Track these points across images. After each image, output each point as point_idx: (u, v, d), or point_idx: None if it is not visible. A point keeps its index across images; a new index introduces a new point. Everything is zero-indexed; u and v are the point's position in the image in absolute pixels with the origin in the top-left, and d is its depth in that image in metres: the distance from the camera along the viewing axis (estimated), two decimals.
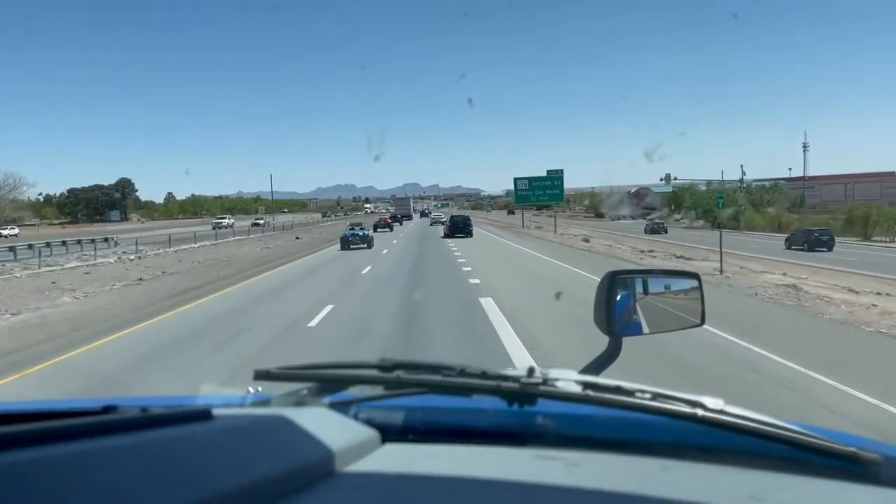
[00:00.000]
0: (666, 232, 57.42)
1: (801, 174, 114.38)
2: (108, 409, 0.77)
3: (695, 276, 1.78)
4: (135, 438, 0.68)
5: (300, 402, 1.06)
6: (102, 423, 0.69)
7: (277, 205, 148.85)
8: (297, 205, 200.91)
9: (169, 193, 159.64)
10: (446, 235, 42.26)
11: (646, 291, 1.63)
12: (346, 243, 32.73)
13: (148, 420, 0.74)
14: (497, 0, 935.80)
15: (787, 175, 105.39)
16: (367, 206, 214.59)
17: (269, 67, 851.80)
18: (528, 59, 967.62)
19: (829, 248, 39.90)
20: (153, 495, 0.59)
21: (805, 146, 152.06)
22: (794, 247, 41.39)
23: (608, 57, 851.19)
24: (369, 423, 1.01)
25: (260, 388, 1.20)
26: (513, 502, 0.76)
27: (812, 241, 40.52)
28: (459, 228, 42.75)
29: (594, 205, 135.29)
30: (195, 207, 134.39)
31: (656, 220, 66.10)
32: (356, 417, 1.04)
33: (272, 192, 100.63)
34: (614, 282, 1.53)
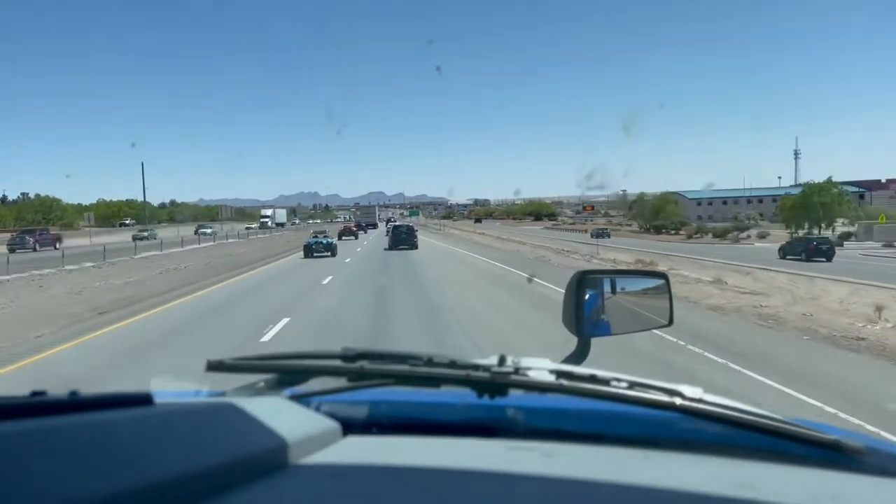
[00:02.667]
0: (609, 237, 66.13)
1: (794, 182, 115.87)
2: (35, 395, 0.71)
3: (662, 275, 1.77)
4: (61, 421, 0.63)
5: (257, 395, 1.00)
6: (25, 403, 0.65)
7: (194, 211, 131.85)
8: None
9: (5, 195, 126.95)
10: (390, 248, 37.68)
11: (614, 291, 1.63)
12: (310, 251, 33.50)
13: (78, 403, 0.69)
14: (468, 10, 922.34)
15: (776, 184, 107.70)
16: (339, 215, 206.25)
17: (237, 71, 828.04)
18: (491, 68, 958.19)
19: (829, 259, 38.15)
20: (83, 480, 0.55)
21: (797, 154, 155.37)
22: (788, 256, 40.17)
23: (577, 69, 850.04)
24: (332, 416, 0.97)
25: (214, 385, 1.14)
26: (484, 492, 0.73)
27: (811, 251, 39.00)
28: (402, 240, 38.68)
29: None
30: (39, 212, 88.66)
31: (600, 228, 78.25)
32: (317, 410, 1.00)
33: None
34: (582, 281, 1.51)
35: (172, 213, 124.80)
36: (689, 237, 72.23)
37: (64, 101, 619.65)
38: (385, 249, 37.09)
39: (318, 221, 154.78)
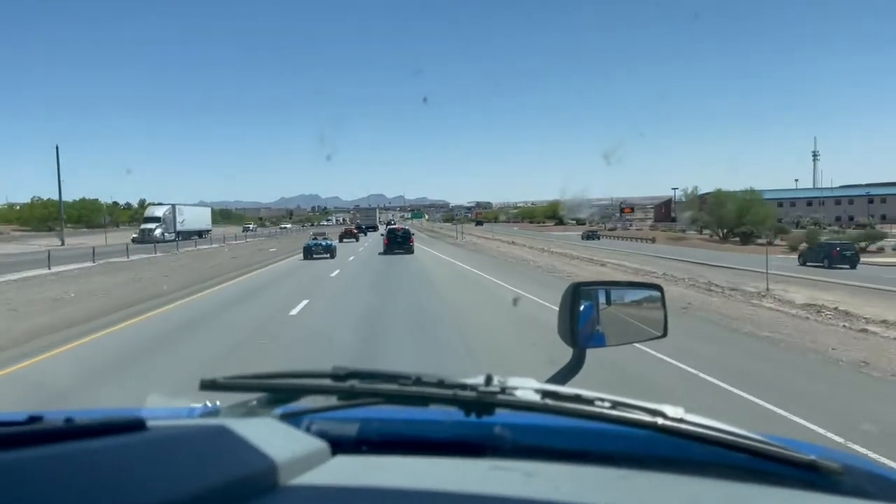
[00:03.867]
0: (598, 239, 67.55)
1: (812, 184, 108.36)
2: (32, 420, 0.74)
3: (657, 287, 1.78)
4: (58, 449, 0.65)
5: (249, 414, 1.04)
6: (22, 433, 0.67)
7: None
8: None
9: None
10: (385, 252, 34.96)
11: (609, 302, 1.64)
12: (309, 253, 33.30)
13: (74, 430, 0.71)
14: (465, 14, 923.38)
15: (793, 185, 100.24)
16: (330, 217, 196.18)
17: (242, 72, 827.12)
18: (491, 70, 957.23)
19: (853, 266, 36.24)
20: None
21: (815, 155, 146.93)
22: (809, 263, 37.79)
23: (575, 69, 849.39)
24: (322, 434, 1.00)
25: (208, 402, 1.17)
26: None
27: (833, 257, 36.58)
28: (398, 244, 35.50)
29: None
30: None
31: (590, 230, 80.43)
32: (308, 429, 1.02)
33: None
34: (577, 293, 1.53)
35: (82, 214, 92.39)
36: (794, 249, 47.48)
37: (61, 95, 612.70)
38: (380, 254, 34.88)
39: (289, 227, 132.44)
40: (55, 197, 65.58)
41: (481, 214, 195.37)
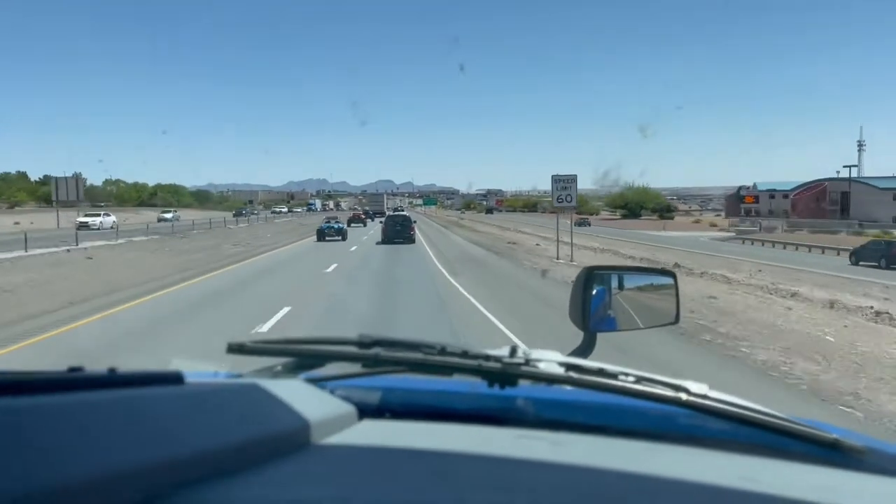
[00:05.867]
0: (589, 226, 69.72)
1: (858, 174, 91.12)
2: (73, 371, 0.75)
3: (671, 273, 1.77)
4: (101, 396, 0.67)
5: (275, 377, 1.06)
6: (65, 378, 0.68)
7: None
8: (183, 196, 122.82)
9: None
10: (383, 242, 32.49)
11: (621, 287, 1.64)
12: (322, 235, 35.55)
13: (116, 379, 0.73)
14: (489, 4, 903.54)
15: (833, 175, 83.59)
16: (313, 201, 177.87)
17: (256, 63, 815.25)
18: (504, 57, 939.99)
19: None
20: (115, 452, 0.59)
21: (860, 145, 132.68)
22: (862, 262, 33.93)
23: (594, 60, 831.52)
24: (347, 400, 1.01)
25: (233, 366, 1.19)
26: (496, 475, 0.76)
27: (892, 257, 32.71)
28: (397, 232, 32.57)
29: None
30: None
31: (581, 217, 78.36)
32: (332, 394, 1.04)
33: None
34: (591, 277, 1.54)
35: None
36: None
37: (77, 85, 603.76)
38: (377, 244, 32.59)
39: (284, 210, 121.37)
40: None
41: (501, 203, 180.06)
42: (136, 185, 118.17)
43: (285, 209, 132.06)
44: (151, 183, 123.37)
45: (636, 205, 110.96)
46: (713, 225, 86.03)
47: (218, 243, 31.72)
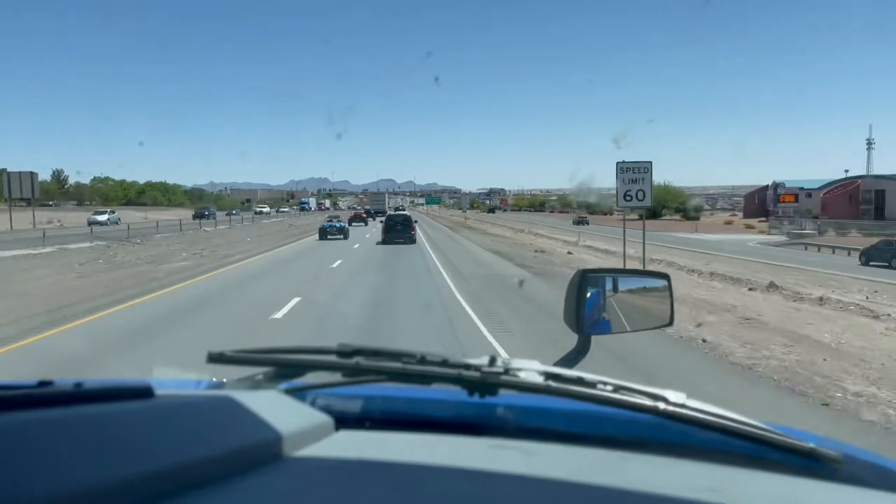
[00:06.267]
0: (588, 224, 68.79)
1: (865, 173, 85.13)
2: (42, 385, 0.75)
3: (664, 276, 1.78)
4: (67, 412, 0.67)
5: (255, 387, 1.06)
6: (32, 395, 0.68)
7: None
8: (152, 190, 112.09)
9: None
10: (383, 242, 31.23)
11: (615, 290, 1.65)
12: (324, 234, 36.35)
13: (83, 394, 0.73)
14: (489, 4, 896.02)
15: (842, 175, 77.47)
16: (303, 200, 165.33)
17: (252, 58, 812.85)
18: (503, 54, 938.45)
19: None
20: (83, 469, 0.58)
21: (869, 143, 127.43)
22: (872, 263, 32.59)
23: (590, 57, 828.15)
24: (326, 410, 1.02)
25: (213, 376, 1.20)
26: (464, 489, 0.76)
27: None
28: (398, 232, 31.29)
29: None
30: None
31: (581, 216, 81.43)
32: (312, 404, 1.04)
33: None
34: (584, 280, 1.54)
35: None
36: None
37: (75, 84, 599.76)
38: (377, 244, 31.35)
39: (267, 210, 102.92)
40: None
41: (506, 202, 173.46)
42: (122, 182, 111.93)
43: (266, 208, 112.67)
44: (152, 181, 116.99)
45: (657, 203, 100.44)
46: (749, 227, 77.02)
47: (173, 252, 25.36)
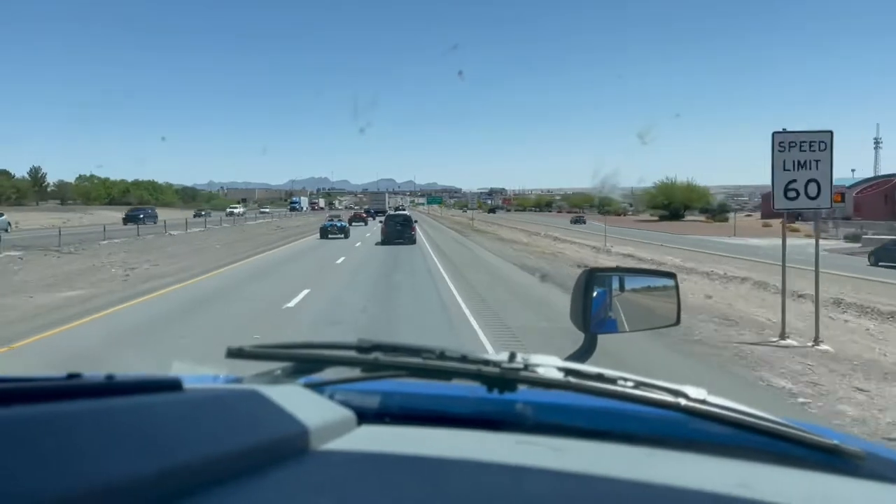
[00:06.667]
0: (584, 223, 68.81)
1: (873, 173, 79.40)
2: (71, 377, 0.76)
3: (671, 275, 1.77)
4: (99, 404, 0.67)
5: (274, 382, 1.05)
6: (66, 386, 0.69)
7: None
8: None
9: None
10: (383, 243, 30.50)
11: (622, 289, 1.63)
12: (325, 233, 37.36)
13: (113, 386, 0.73)
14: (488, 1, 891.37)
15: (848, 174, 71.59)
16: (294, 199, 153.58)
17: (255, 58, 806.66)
18: (504, 55, 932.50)
19: None
20: (116, 461, 0.58)
21: (877, 142, 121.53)
22: (882, 263, 29.02)
23: (589, 58, 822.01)
24: (345, 405, 1.01)
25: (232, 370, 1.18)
26: (495, 483, 0.76)
27: None
28: (398, 232, 30.56)
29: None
30: None
31: (578, 215, 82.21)
32: (331, 399, 1.03)
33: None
34: (591, 279, 1.54)
35: None
36: None
37: (74, 80, 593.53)
38: (377, 244, 30.68)
39: (240, 211, 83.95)
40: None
41: (509, 201, 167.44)
42: (105, 181, 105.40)
43: (239, 209, 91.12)
44: (147, 180, 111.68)
45: (680, 204, 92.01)
46: (794, 230, 68.60)
47: (97, 267, 18.86)
